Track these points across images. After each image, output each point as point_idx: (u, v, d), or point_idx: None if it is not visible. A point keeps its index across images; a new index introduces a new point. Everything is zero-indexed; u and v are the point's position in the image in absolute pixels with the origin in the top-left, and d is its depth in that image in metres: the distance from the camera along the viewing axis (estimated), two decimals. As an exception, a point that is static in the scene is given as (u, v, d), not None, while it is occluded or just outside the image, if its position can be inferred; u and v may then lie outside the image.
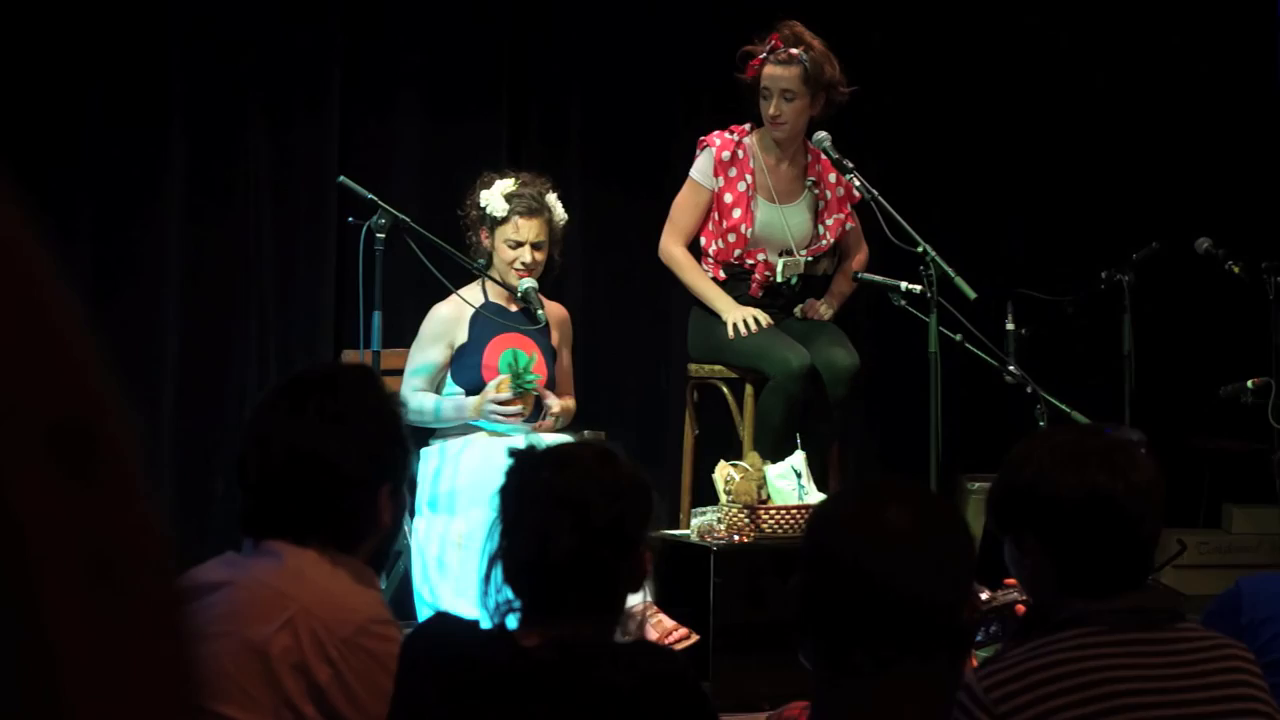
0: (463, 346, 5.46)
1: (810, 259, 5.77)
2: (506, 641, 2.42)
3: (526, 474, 2.47)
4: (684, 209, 5.75)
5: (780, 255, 5.72)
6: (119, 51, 6.07)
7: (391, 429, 2.60)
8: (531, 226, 5.46)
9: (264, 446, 2.53)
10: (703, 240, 5.75)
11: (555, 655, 2.37)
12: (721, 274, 5.72)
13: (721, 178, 5.67)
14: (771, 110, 5.61)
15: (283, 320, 6.29)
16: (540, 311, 5.35)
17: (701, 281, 5.74)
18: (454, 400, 5.39)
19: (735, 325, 5.60)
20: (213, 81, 6.21)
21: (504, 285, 5.46)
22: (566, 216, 5.61)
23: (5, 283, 0.61)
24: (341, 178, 5.16)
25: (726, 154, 5.66)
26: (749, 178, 5.67)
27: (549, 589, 2.42)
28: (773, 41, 5.61)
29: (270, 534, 2.50)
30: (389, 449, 2.58)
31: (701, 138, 5.75)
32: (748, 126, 5.74)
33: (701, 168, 5.71)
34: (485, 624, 2.49)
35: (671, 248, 5.77)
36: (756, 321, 5.61)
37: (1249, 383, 6.18)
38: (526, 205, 5.44)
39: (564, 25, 6.72)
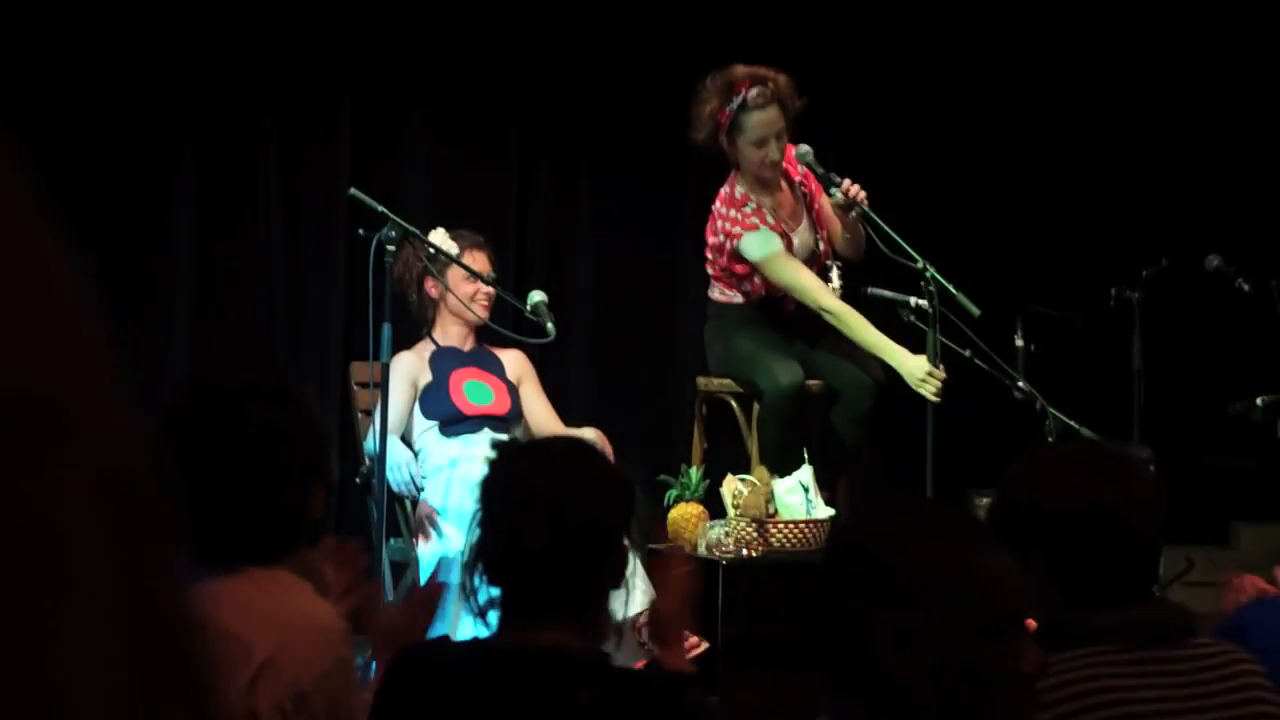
0: (428, 385, 5.53)
1: (833, 261, 5.71)
2: (483, 649, 2.40)
3: (504, 468, 2.46)
4: (799, 270, 5.51)
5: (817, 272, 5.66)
6: (135, 63, 6.09)
7: (314, 432, 2.53)
8: (481, 259, 5.55)
9: (198, 475, 2.39)
10: (737, 279, 5.67)
11: (535, 665, 2.34)
12: (753, 298, 5.65)
13: (780, 235, 5.58)
14: (773, 156, 5.49)
15: (293, 332, 6.30)
16: (550, 324, 5.37)
17: (868, 334, 5.49)
18: (406, 458, 5.40)
19: (924, 386, 5.36)
20: (226, 94, 6.23)
21: (472, 312, 5.55)
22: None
23: None
24: (352, 190, 5.17)
25: (770, 218, 5.56)
26: (782, 227, 5.60)
27: (523, 585, 2.39)
28: (739, 89, 5.46)
29: (214, 561, 2.39)
30: (316, 453, 2.52)
31: (727, 229, 5.51)
32: (732, 177, 5.60)
33: (766, 240, 5.48)
34: (465, 630, 2.49)
35: (835, 305, 5.51)
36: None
37: (1258, 400, 6.17)
38: (473, 241, 5.55)
39: (575, 40, 6.74)
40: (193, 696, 0.60)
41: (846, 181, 5.48)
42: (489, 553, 2.41)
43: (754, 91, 5.44)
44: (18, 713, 0.54)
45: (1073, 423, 5.29)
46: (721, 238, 5.56)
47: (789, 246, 5.58)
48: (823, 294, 5.52)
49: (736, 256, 5.54)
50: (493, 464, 2.48)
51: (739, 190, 5.57)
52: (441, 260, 5.50)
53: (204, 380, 2.53)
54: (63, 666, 0.55)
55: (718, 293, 5.72)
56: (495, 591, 2.42)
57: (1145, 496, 2.43)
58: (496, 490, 2.45)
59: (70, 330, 0.59)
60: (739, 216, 5.53)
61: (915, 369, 5.36)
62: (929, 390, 5.33)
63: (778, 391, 5.45)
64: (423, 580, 5.22)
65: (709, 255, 5.68)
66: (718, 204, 5.61)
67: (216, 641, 2.09)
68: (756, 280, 5.60)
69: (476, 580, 2.42)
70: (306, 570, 2.45)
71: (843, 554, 2.05)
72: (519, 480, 2.42)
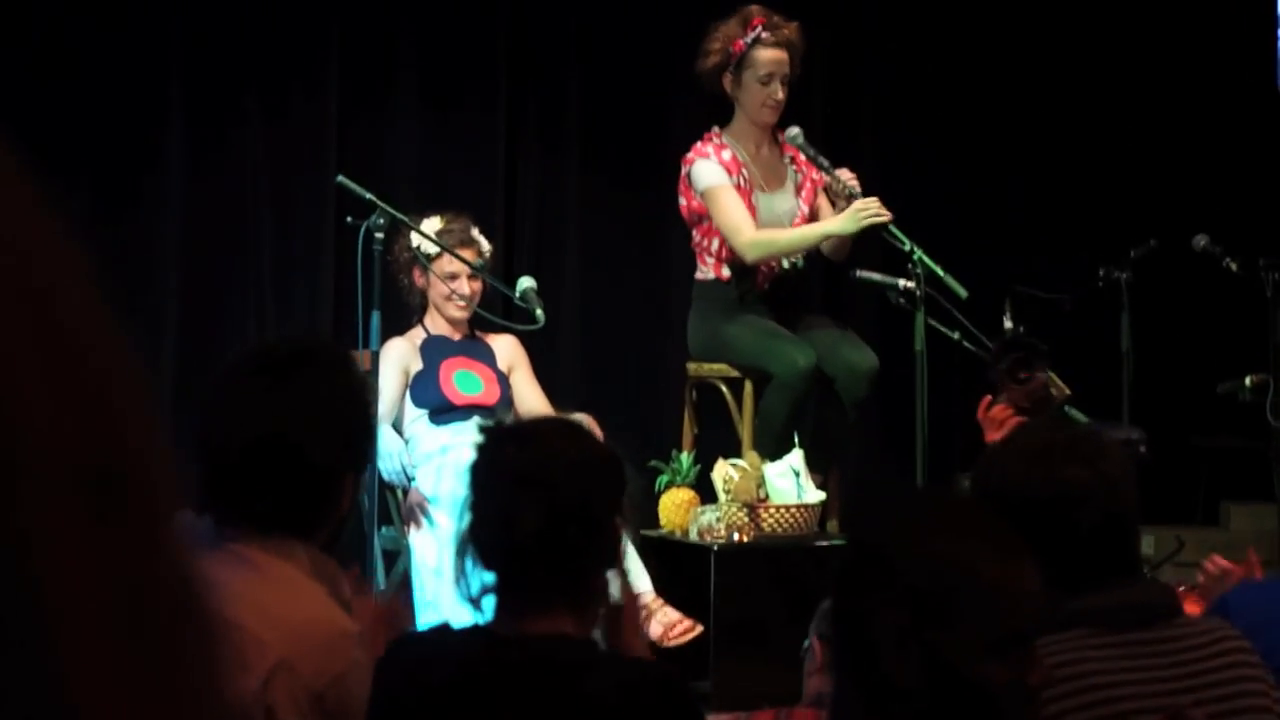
0: (419, 373, 5.54)
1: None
2: (483, 636, 2.37)
3: (492, 451, 2.42)
4: (733, 207, 5.59)
5: None
6: (119, 48, 6.08)
7: (363, 413, 2.52)
8: (470, 252, 5.52)
9: (235, 426, 2.39)
10: (707, 241, 5.71)
11: (537, 654, 2.32)
12: (725, 272, 5.70)
13: (735, 176, 5.66)
14: (779, 95, 5.62)
15: (281, 320, 6.29)
16: (539, 311, 5.37)
17: (799, 233, 5.64)
18: (398, 447, 5.41)
19: (874, 219, 5.38)
20: (210, 79, 6.22)
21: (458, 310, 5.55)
22: (491, 247, 5.67)
23: (33, 320, 0.59)
24: (340, 178, 5.16)
25: (726, 154, 5.66)
26: (744, 173, 5.68)
27: (518, 569, 2.36)
28: (756, 23, 5.61)
29: (234, 520, 2.38)
30: (359, 435, 2.50)
31: (687, 156, 5.69)
32: (715, 129, 5.73)
33: (713, 172, 5.63)
34: (461, 616, 2.46)
35: (753, 236, 5.58)
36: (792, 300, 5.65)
37: (1247, 380, 6.18)
38: (457, 239, 5.49)
39: (562, 15, 6.73)
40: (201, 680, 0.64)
41: (844, 171, 5.53)
42: (481, 537, 2.39)
43: (769, 30, 5.60)
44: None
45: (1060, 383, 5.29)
46: (684, 170, 5.68)
47: (747, 201, 5.63)
48: (744, 230, 5.58)
49: (693, 188, 5.65)
50: (480, 447, 2.44)
51: (714, 131, 5.71)
52: (425, 255, 5.51)
53: (267, 340, 2.51)
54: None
55: (700, 271, 5.77)
56: (489, 577, 2.41)
57: (1114, 473, 2.43)
58: (486, 473, 2.42)
59: (131, 402, 0.63)
60: (700, 145, 5.68)
61: (852, 218, 5.42)
62: (875, 217, 5.36)
63: (795, 373, 5.47)
64: (413, 567, 5.23)
65: (687, 223, 5.77)
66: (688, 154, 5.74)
67: (231, 636, 2.03)
68: (728, 248, 5.64)
69: (469, 566, 2.41)
70: (324, 574, 2.41)
71: (855, 547, 2.03)
72: (508, 462, 2.39)
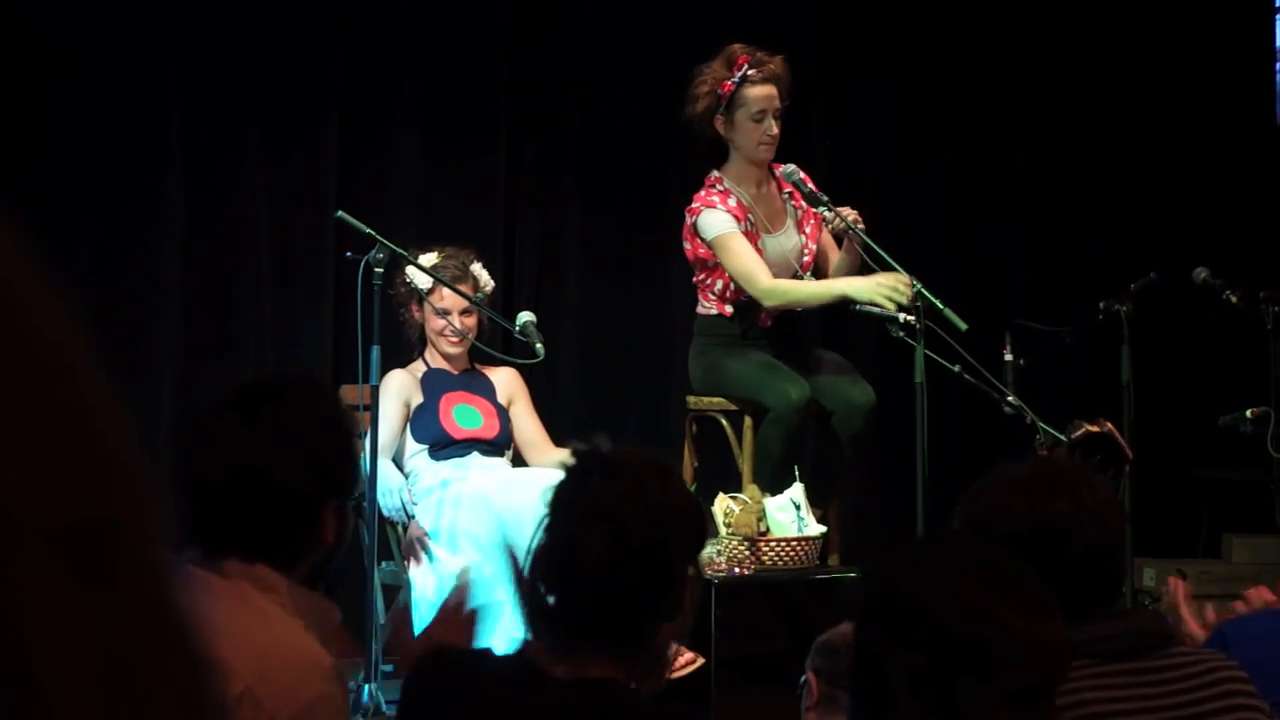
0: (419, 406, 5.55)
1: (808, 276, 5.73)
2: (525, 670, 2.35)
3: (578, 476, 2.38)
4: (746, 253, 5.54)
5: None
6: (119, 90, 6.09)
7: (341, 443, 2.49)
8: (455, 295, 5.51)
9: (210, 460, 2.39)
10: (711, 280, 5.69)
11: (576, 700, 2.29)
12: (728, 309, 5.68)
13: (743, 222, 5.63)
14: (774, 130, 5.59)
15: (280, 355, 6.30)
16: (539, 345, 5.37)
17: (816, 289, 5.59)
18: (398, 483, 5.41)
19: (893, 299, 5.30)
20: (211, 115, 6.24)
21: (447, 344, 5.57)
22: (493, 283, 5.68)
23: (14, 371, 0.58)
24: (339, 213, 5.17)
25: (732, 201, 5.62)
26: (750, 218, 5.65)
27: (574, 599, 2.33)
28: (741, 62, 5.59)
29: (211, 553, 2.37)
30: (337, 464, 2.47)
31: (690, 206, 5.63)
32: (714, 173, 5.68)
33: (722, 220, 5.56)
34: (508, 632, 2.44)
35: (770, 284, 5.53)
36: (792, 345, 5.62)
37: (1248, 412, 6.18)
38: (450, 273, 5.49)
39: (561, 57, 6.75)
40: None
41: (845, 208, 5.51)
42: (546, 559, 2.36)
43: (754, 67, 5.57)
44: None
45: (1063, 437, 5.29)
46: (690, 220, 5.62)
47: (754, 243, 5.61)
48: (760, 276, 5.52)
49: (700, 238, 5.59)
50: (568, 469, 2.41)
51: (714, 176, 5.66)
52: (419, 290, 5.52)
53: (243, 378, 2.53)
54: None
55: (702, 306, 5.75)
56: (548, 599, 2.36)
57: (1098, 505, 2.43)
58: (565, 496, 2.38)
59: (116, 451, 0.62)
60: (704, 194, 5.62)
61: (874, 289, 5.32)
62: (891, 299, 5.28)
63: (788, 406, 5.46)
64: (414, 602, 5.21)
65: (692, 265, 5.74)
66: (692, 203, 5.68)
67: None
68: (732, 288, 5.63)
69: (532, 582, 2.36)
70: (304, 609, 2.39)
71: (879, 589, 2.02)
72: (589, 491, 2.35)
